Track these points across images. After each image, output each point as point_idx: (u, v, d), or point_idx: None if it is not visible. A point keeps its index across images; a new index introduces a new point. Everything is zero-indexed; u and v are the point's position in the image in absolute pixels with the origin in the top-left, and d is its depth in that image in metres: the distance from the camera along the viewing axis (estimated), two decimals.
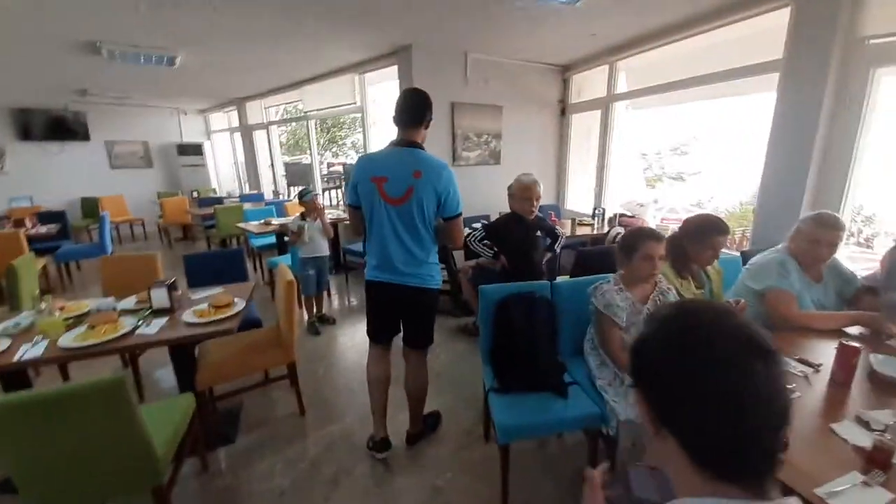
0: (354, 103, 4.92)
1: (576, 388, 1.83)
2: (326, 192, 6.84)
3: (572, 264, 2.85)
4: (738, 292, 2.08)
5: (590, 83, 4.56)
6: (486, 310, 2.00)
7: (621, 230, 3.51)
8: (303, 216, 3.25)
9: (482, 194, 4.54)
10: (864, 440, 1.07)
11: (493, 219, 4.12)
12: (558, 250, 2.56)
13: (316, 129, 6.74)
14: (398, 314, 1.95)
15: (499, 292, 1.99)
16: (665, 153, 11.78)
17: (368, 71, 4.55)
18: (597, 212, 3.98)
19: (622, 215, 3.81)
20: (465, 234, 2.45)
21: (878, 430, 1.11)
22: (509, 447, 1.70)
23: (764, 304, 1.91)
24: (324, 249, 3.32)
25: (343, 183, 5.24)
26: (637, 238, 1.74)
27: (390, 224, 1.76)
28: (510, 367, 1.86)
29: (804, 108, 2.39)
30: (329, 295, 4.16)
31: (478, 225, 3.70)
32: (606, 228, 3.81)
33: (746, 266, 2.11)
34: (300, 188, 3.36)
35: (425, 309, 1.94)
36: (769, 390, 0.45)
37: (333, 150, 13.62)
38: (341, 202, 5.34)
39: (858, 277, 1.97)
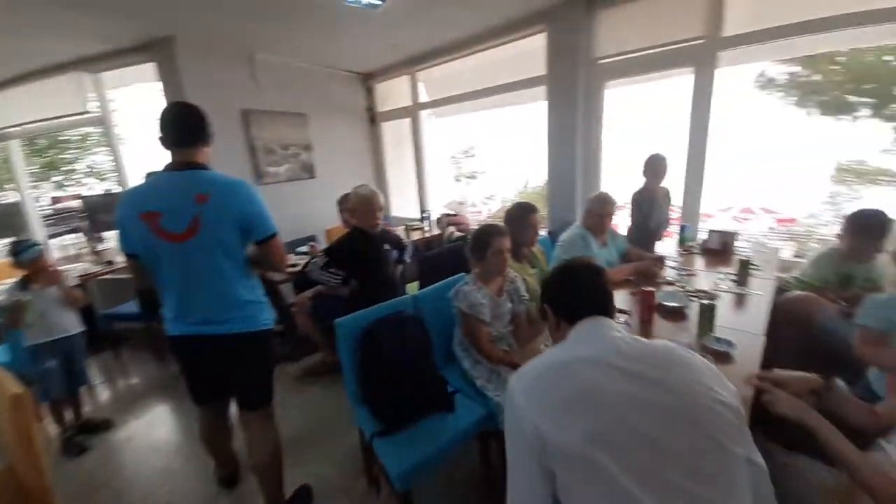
0: (87, 113, 3.57)
1: (458, 397, 1.76)
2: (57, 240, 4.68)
3: (418, 271, 2.81)
4: (557, 263, 2.46)
5: (394, 92, 4.66)
6: (348, 345, 1.71)
7: (453, 229, 3.72)
8: (23, 283, 2.09)
9: (302, 213, 4.06)
10: None
11: (321, 238, 3.73)
12: (408, 260, 2.46)
13: (22, 151, 4.61)
14: (223, 370, 1.53)
15: (359, 321, 1.73)
16: (459, 156, 13.58)
17: (109, 69, 3.37)
18: (425, 215, 4.10)
19: (448, 215, 4.05)
20: (303, 263, 2.07)
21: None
22: (411, 491, 1.49)
23: None
24: (69, 326, 2.20)
25: (89, 223, 3.75)
26: (487, 236, 1.79)
27: (181, 266, 1.37)
28: (392, 402, 1.64)
29: (566, 114, 3.03)
30: (91, 389, 2.79)
31: (303, 249, 3.30)
32: (436, 230, 3.97)
33: (557, 243, 2.53)
34: (11, 241, 2.13)
35: (257, 358, 1.57)
36: (598, 283, 0.97)
37: (57, 179, 9.77)
38: (86, 250, 3.79)
39: (625, 237, 2.62)
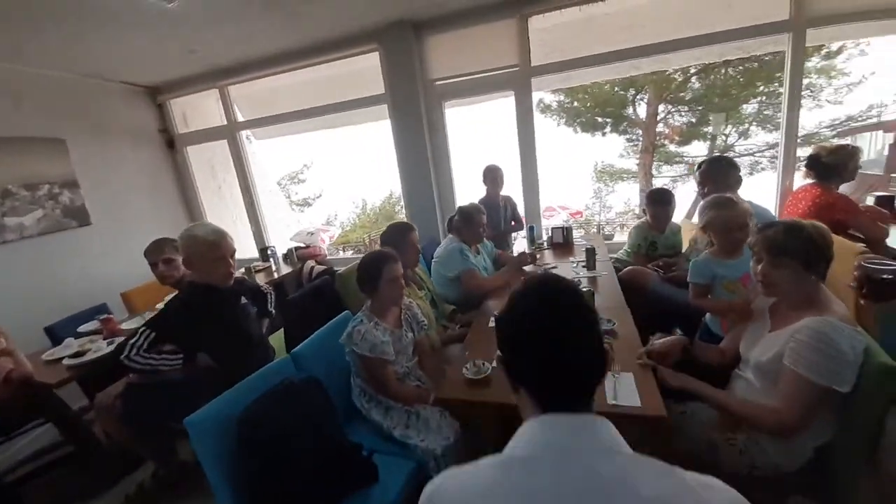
0: None
1: (378, 458, 1.49)
2: None
3: (281, 319, 2.33)
4: (438, 280, 2.43)
5: (199, 110, 3.83)
6: (212, 446, 1.23)
7: (313, 263, 3.25)
8: None
9: (75, 276, 2.91)
10: None
11: (116, 308, 2.71)
12: (273, 312, 1.97)
13: None
14: None
15: (225, 410, 1.27)
16: (285, 182, 12.33)
17: None
18: (269, 252, 3.49)
19: (299, 248, 3.54)
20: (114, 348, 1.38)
21: None
22: None
23: (461, 284, 2.33)
24: None
25: None
26: (378, 264, 1.61)
27: None
28: (299, 500, 1.25)
29: (414, 133, 3.06)
30: None
31: (89, 327, 2.30)
32: (286, 268, 3.42)
33: (434, 259, 2.50)
34: None
35: None
36: (572, 328, 0.60)
37: None
38: None
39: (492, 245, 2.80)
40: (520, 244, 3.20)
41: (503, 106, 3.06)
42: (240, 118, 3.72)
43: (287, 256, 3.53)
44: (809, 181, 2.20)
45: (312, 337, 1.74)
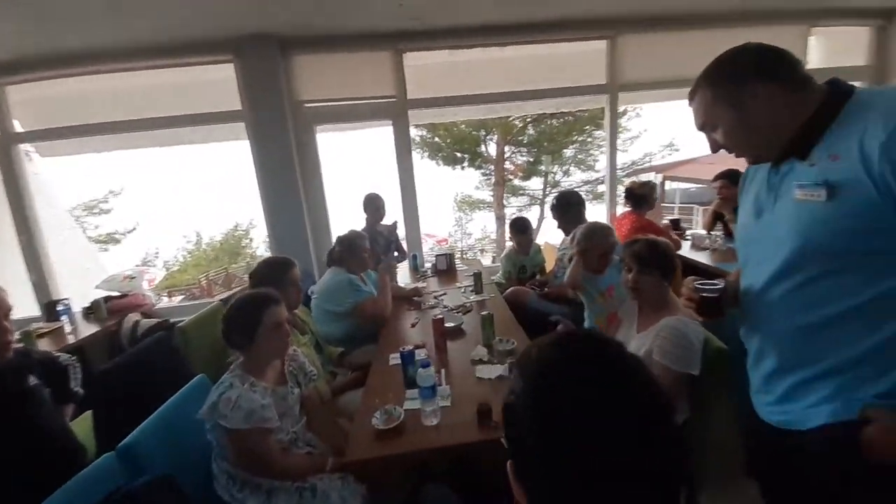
0: None
1: None
2: None
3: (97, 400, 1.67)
4: (322, 318, 2.16)
5: None
6: None
7: (138, 317, 2.46)
8: None
9: None
10: (493, 373, 1.49)
11: None
12: (80, 391, 1.36)
13: None
14: None
15: None
16: (80, 212, 9.47)
17: None
18: (61, 307, 2.52)
19: (110, 298, 2.66)
20: None
21: (482, 358, 1.58)
22: None
23: (351, 318, 2.12)
24: None
25: None
26: (256, 309, 1.31)
27: None
28: None
29: (279, 155, 2.71)
30: None
31: None
32: (89, 329, 2.51)
33: (314, 295, 2.23)
34: None
35: None
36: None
37: None
38: None
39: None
40: (404, 274, 3.12)
41: (379, 134, 3.02)
42: (18, 128, 2.71)
43: (91, 311, 2.62)
44: (627, 209, 2.78)
45: (151, 419, 1.28)
